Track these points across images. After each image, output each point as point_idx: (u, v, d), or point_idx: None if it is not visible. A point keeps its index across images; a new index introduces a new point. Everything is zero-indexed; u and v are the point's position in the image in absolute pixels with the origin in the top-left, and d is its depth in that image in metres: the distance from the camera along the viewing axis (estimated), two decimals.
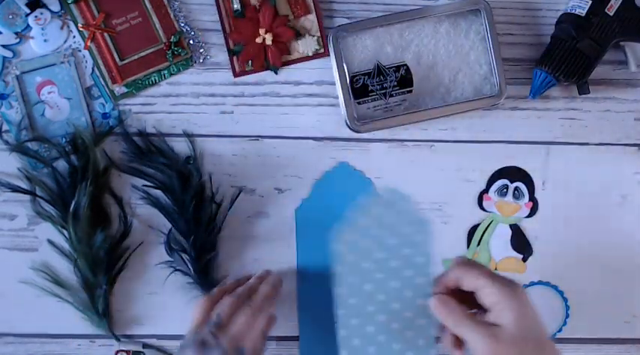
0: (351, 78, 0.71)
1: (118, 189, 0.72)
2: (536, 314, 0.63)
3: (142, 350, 0.73)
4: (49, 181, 0.70)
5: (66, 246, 0.71)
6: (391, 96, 0.72)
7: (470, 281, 0.63)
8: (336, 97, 0.72)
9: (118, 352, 0.73)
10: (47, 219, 0.71)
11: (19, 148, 0.70)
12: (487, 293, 0.62)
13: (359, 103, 0.72)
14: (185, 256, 0.71)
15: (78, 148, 0.70)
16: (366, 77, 0.72)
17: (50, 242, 0.72)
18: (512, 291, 0.61)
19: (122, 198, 0.72)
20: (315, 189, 0.73)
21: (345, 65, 0.71)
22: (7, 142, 0.70)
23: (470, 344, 0.62)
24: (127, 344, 0.73)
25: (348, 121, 0.71)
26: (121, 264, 0.72)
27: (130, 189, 0.72)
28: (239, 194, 0.73)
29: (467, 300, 0.64)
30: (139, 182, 0.72)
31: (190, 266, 0.71)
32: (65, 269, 0.72)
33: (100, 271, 0.70)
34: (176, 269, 0.72)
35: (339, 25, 0.71)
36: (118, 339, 0.73)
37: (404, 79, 0.72)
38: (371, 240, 0.66)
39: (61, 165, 0.70)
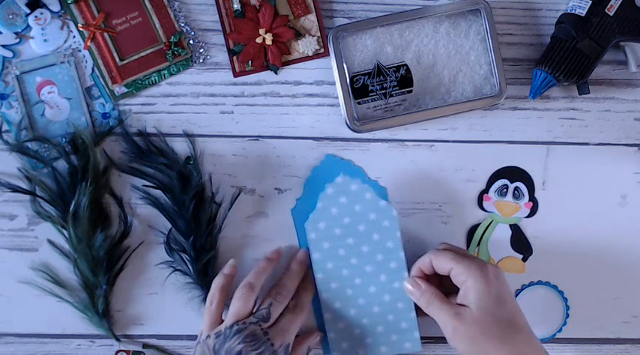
0: (351, 78, 0.71)
1: (117, 189, 0.72)
2: (506, 296, 0.64)
3: (142, 350, 0.73)
4: (49, 181, 0.70)
5: (66, 246, 0.71)
6: (391, 96, 0.72)
7: (442, 264, 0.66)
8: (336, 97, 0.72)
9: (118, 352, 0.73)
10: (47, 219, 0.71)
11: (19, 148, 0.70)
12: (455, 274, 0.65)
13: (359, 103, 0.72)
14: (185, 256, 0.71)
15: (78, 148, 0.70)
16: (366, 77, 0.72)
17: (50, 242, 0.72)
18: (479, 271, 0.64)
19: (122, 198, 0.72)
20: (307, 186, 0.73)
21: (345, 65, 0.71)
22: (7, 142, 0.70)
23: (439, 324, 0.66)
24: (127, 345, 0.73)
25: (348, 121, 0.71)
26: (121, 263, 0.72)
27: (129, 189, 0.72)
28: (239, 194, 0.73)
29: (449, 284, 0.67)
30: (139, 182, 0.72)
31: (190, 267, 0.71)
32: (65, 269, 0.72)
33: (100, 271, 0.70)
34: (176, 270, 0.72)
35: (339, 25, 0.71)
36: (118, 339, 0.73)
37: (404, 79, 0.72)
38: (342, 227, 0.71)
39: (61, 165, 0.70)
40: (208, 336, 0.66)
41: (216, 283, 0.69)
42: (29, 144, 0.70)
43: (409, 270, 0.70)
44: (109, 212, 0.72)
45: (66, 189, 0.70)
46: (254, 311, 0.67)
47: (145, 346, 0.74)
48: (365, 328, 0.71)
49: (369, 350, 0.72)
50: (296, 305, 0.69)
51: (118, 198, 0.72)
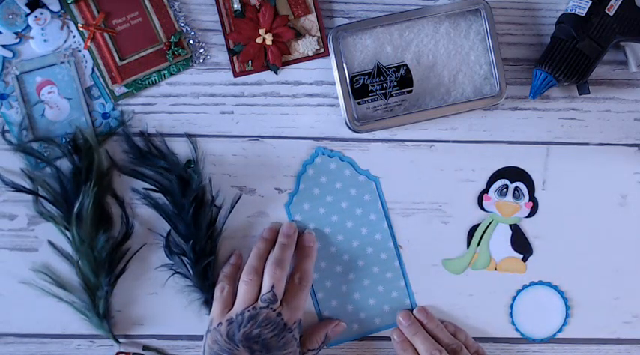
0: (351, 78, 0.71)
1: (119, 190, 0.72)
2: None
3: (142, 352, 0.73)
4: (53, 181, 0.70)
5: (66, 247, 0.71)
6: (391, 96, 0.72)
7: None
8: (336, 97, 0.72)
9: (118, 353, 0.73)
10: (50, 219, 0.70)
11: (23, 148, 0.70)
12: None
13: (359, 103, 0.72)
14: (185, 259, 0.71)
15: (79, 148, 0.70)
16: (366, 77, 0.72)
17: (51, 243, 0.72)
18: None
19: (124, 199, 0.72)
20: (299, 181, 0.73)
21: (345, 65, 0.71)
22: (10, 142, 0.70)
23: None
24: (128, 346, 0.73)
25: (348, 121, 0.71)
26: (123, 265, 0.72)
27: (130, 190, 0.72)
28: (239, 198, 0.72)
29: None
30: (140, 184, 0.72)
31: (190, 270, 0.71)
32: (65, 269, 0.72)
33: (102, 273, 0.70)
34: (176, 272, 0.72)
35: (339, 25, 0.71)
36: (117, 341, 0.73)
37: (404, 79, 0.72)
38: (326, 206, 0.73)
39: (63, 165, 0.70)
40: (220, 323, 0.67)
41: (224, 272, 0.71)
42: (32, 144, 0.70)
43: (394, 240, 0.73)
44: (110, 213, 0.72)
45: (69, 190, 0.69)
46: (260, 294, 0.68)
47: (145, 348, 0.74)
48: (357, 303, 0.73)
49: (364, 324, 0.74)
50: (300, 277, 0.70)
51: (120, 199, 0.72)
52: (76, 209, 0.68)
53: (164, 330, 0.74)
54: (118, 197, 0.72)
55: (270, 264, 0.69)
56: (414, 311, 0.73)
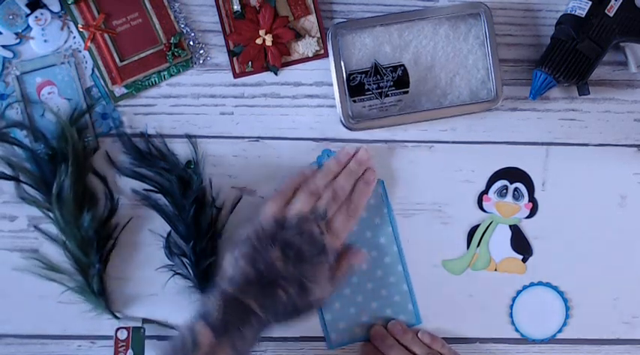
0: (348, 75, 0.71)
1: (100, 167, 0.71)
2: None
3: (141, 325, 0.73)
4: (31, 166, 0.70)
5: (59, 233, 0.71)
6: (387, 96, 0.72)
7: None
8: None
9: (118, 329, 0.72)
10: (32, 203, 0.70)
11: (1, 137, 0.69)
12: None
13: (354, 101, 0.72)
14: (185, 260, 0.71)
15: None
16: (363, 76, 0.72)
17: (37, 228, 0.71)
18: None
19: (106, 176, 0.71)
20: None
21: (342, 62, 0.71)
22: None
23: None
24: (127, 321, 0.73)
25: (342, 119, 0.71)
26: (112, 241, 0.72)
27: (129, 188, 0.72)
28: (240, 199, 0.72)
29: None
30: (140, 185, 0.71)
31: (190, 271, 0.71)
32: (63, 262, 0.71)
33: (91, 250, 0.70)
34: (176, 273, 0.72)
35: (338, 23, 0.71)
36: (116, 316, 0.72)
37: (400, 79, 0.72)
38: None
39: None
40: (269, 220, 0.66)
41: (293, 181, 0.70)
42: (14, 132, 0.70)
43: (398, 244, 0.73)
44: (94, 191, 0.71)
45: (47, 173, 0.69)
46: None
47: (145, 321, 0.73)
48: (360, 305, 0.73)
49: (366, 328, 0.73)
50: (349, 207, 0.69)
51: (102, 176, 0.71)
52: (54, 190, 0.68)
53: (165, 331, 0.74)
54: (100, 175, 0.71)
55: (333, 187, 0.68)
56: (389, 325, 0.73)
